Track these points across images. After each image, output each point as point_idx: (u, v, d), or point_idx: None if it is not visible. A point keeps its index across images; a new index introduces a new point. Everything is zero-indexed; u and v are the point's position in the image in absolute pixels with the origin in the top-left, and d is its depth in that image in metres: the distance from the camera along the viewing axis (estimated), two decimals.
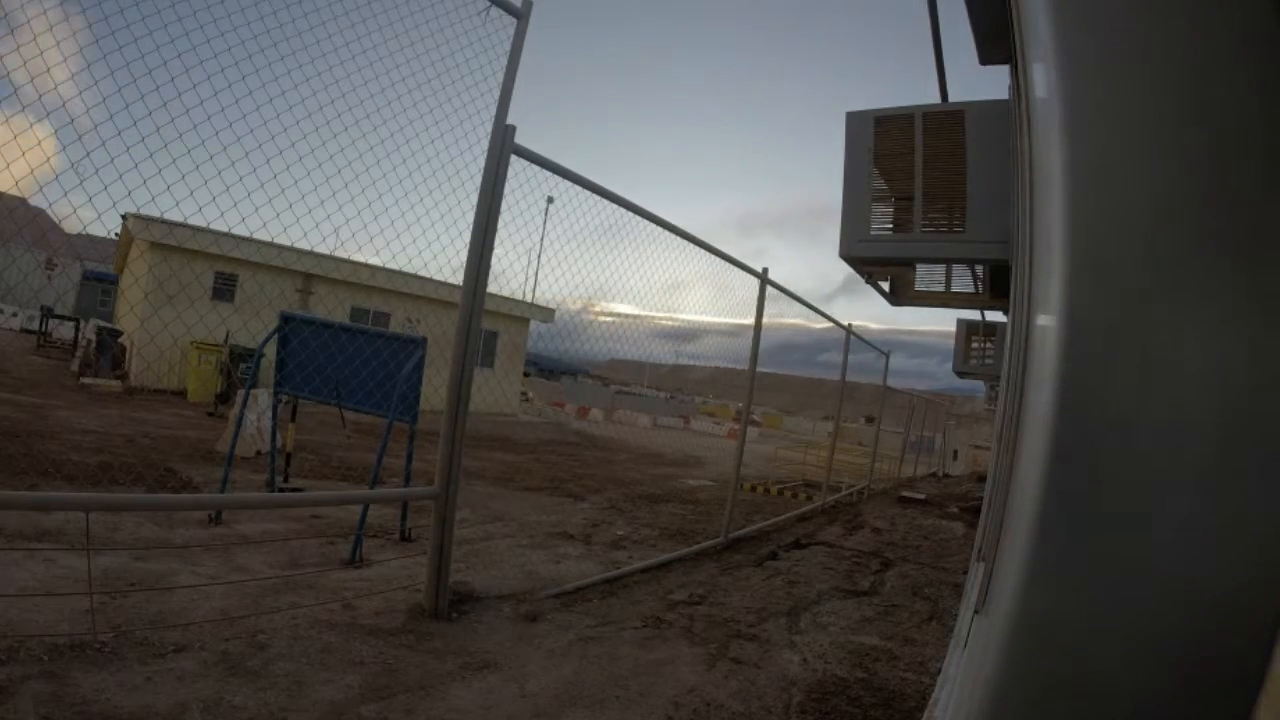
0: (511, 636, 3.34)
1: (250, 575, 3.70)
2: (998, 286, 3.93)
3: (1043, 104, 0.81)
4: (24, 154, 2.21)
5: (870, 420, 19.88)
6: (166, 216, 2.81)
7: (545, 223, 4.25)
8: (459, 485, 3.54)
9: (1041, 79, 0.82)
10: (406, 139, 3.31)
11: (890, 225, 2.95)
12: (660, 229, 4.71)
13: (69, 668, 2.41)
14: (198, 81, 2.56)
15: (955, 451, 21.18)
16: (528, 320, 20.12)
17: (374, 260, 13.03)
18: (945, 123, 2.76)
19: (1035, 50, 0.87)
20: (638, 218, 4.49)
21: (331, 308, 14.71)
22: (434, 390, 4.90)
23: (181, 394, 12.65)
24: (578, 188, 3.96)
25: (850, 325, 8.80)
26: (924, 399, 18.05)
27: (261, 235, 2.93)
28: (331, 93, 2.95)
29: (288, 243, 3.09)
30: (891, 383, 11.80)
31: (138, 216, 10.25)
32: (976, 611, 1.47)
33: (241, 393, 6.01)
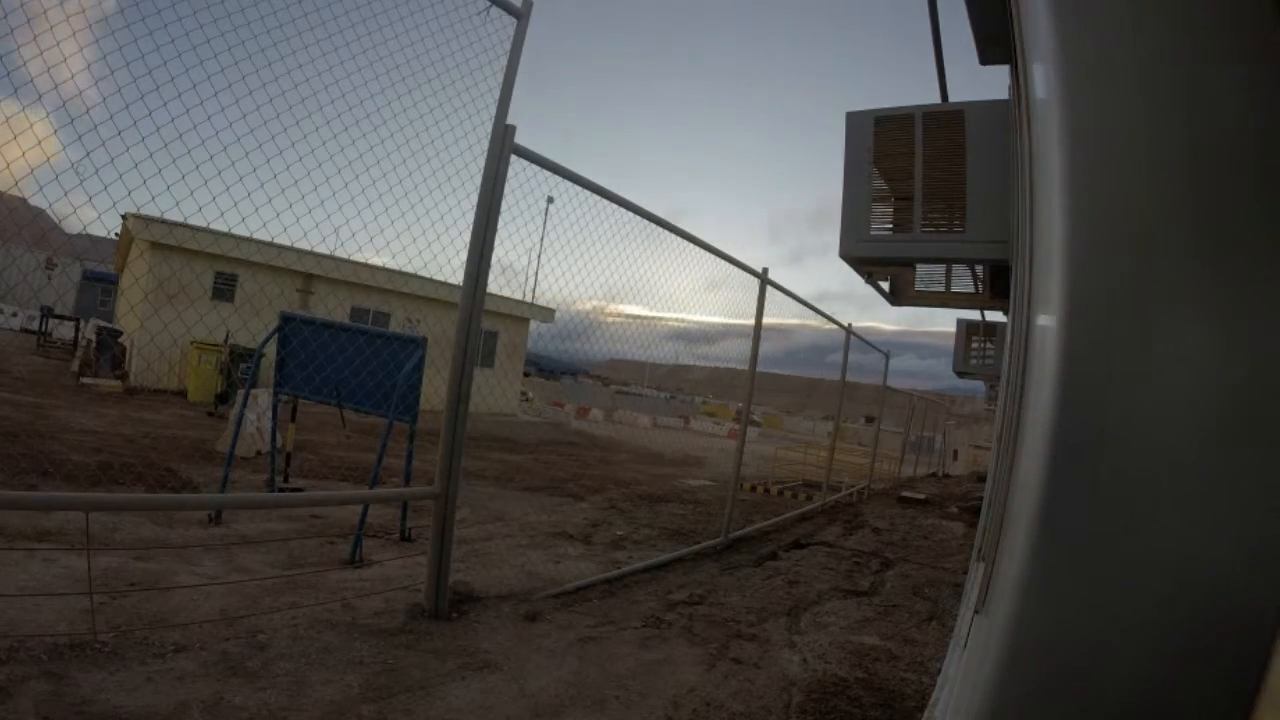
0: (511, 636, 3.34)
1: (250, 575, 3.70)
2: (998, 286, 3.92)
3: (1043, 104, 0.81)
4: (23, 154, 2.21)
5: (870, 420, 19.88)
6: (166, 216, 2.81)
7: (545, 223, 4.25)
8: (459, 485, 3.54)
9: (1041, 79, 0.82)
10: (407, 139, 3.31)
11: (890, 225, 2.95)
12: (659, 229, 4.71)
13: (69, 668, 2.41)
14: (198, 81, 2.56)
15: (955, 451, 21.19)
16: (528, 320, 20.13)
17: (374, 260, 13.05)
18: (945, 123, 2.76)
19: (1035, 50, 0.87)
20: (647, 222, 4.50)
21: (331, 308, 14.72)
22: (434, 390, 4.90)
23: (181, 394, 12.65)
24: (580, 189, 3.96)
25: (850, 325, 8.80)
26: (924, 399, 18.05)
27: (261, 235, 2.93)
28: (332, 93, 2.96)
29: (288, 243, 3.09)
30: (904, 383, 11.81)
31: (138, 216, 10.24)
32: (976, 611, 1.47)
33: (241, 393, 6.01)
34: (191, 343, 12.49)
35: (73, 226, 2.59)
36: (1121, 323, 0.71)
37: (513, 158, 3.50)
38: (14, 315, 24.66)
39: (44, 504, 3.91)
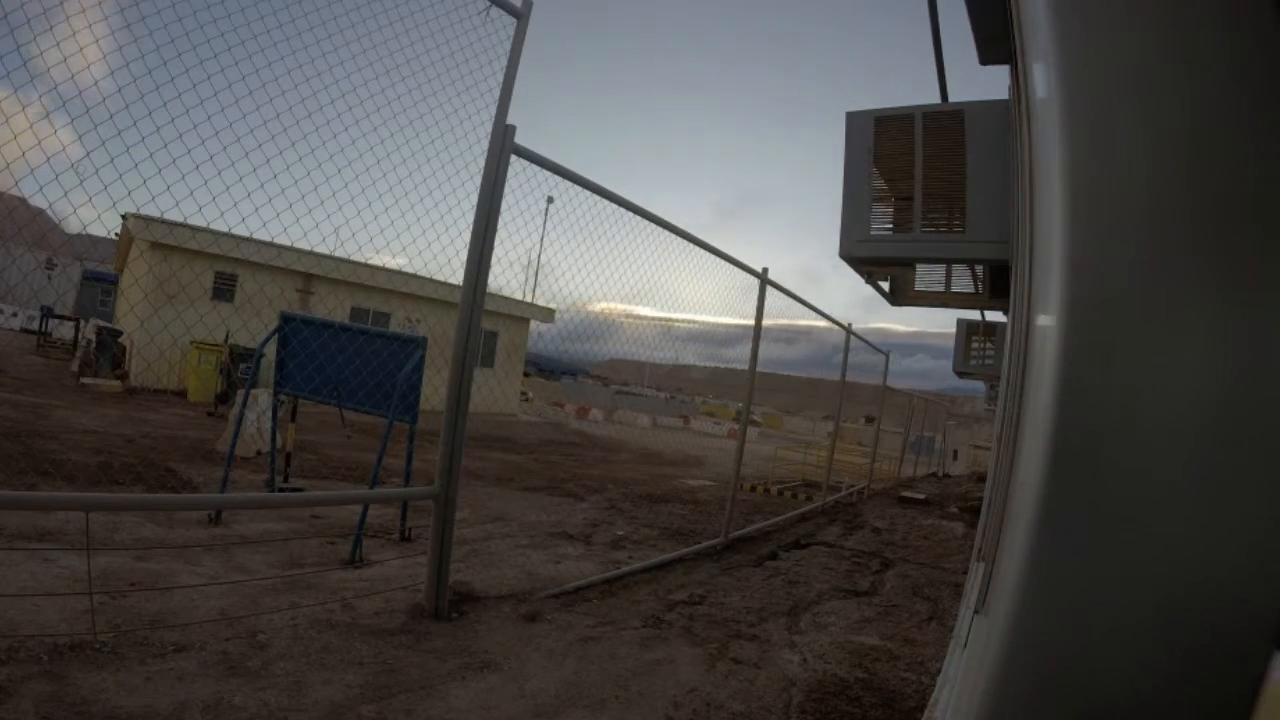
0: (511, 636, 3.34)
1: (250, 575, 3.70)
2: (998, 286, 3.92)
3: (1043, 104, 0.81)
4: (23, 154, 2.21)
5: (870, 420, 19.88)
6: (166, 216, 2.81)
7: (545, 223, 4.25)
8: (459, 485, 3.54)
9: (1041, 79, 0.82)
10: (407, 139, 3.31)
11: (890, 225, 2.95)
12: (658, 229, 4.71)
13: (69, 668, 2.41)
14: (198, 81, 2.56)
15: (955, 451, 21.19)
16: (528, 320, 20.13)
17: (375, 260, 13.06)
18: (945, 123, 2.76)
19: (1035, 50, 0.87)
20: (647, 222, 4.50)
21: (331, 308, 14.72)
22: (434, 390, 4.90)
23: (181, 394, 12.65)
24: (583, 190, 3.97)
25: (850, 325, 8.81)
26: (924, 399, 18.05)
27: (261, 235, 2.93)
28: (332, 92, 2.96)
29: (288, 243, 3.08)
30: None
31: (138, 216, 10.25)
32: (976, 611, 1.47)
33: (241, 393, 6.01)
34: (191, 343, 12.50)
35: (73, 226, 2.59)
36: (1121, 323, 0.71)
37: (513, 158, 3.50)
38: (14, 315, 24.66)
39: (44, 504, 3.91)
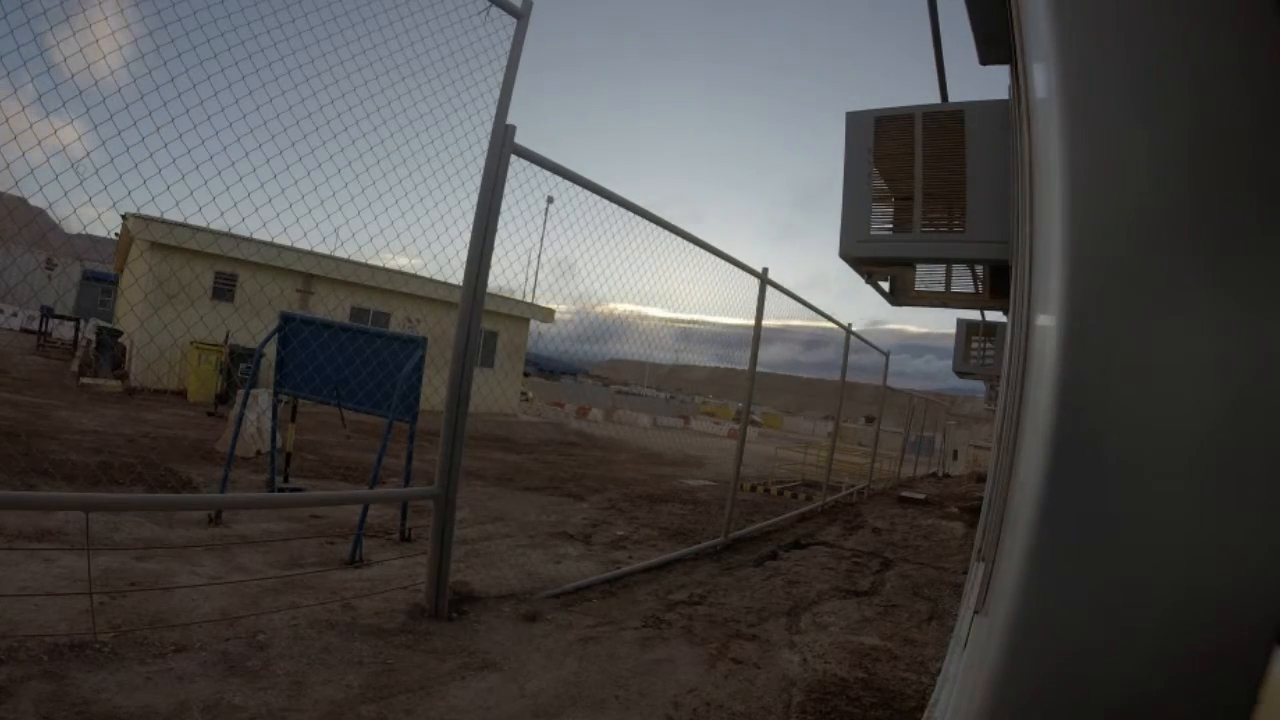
0: (511, 636, 3.34)
1: (250, 575, 3.69)
2: (998, 286, 3.92)
3: (1043, 104, 0.81)
4: (23, 154, 2.21)
5: (870, 420, 19.88)
6: (166, 216, 2.81)
7: (545, 223, 4.25)
8: (459, 485, 3.54)
9: (1041, 79, 0.82)
10: (407, 139, 3.31)
11: (890, 225, 2.95)
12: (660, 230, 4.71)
13: (69, 668, 2.40)
14: (198, 81, 2.56)
15: (955, 451, 21.19)
16: (528, 320, 20.12)
17: (374, 261, 13.05)
18: (945, 123, 2.76)
19: (1035, 50, 0.87)
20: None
21: (331, 308, 14.72)
22: (434, 390, 4.90)
23: (181, 394, 12.65)
24: (586, 192, 3.97)
25: (850, 325, 8.81)
26: (924, 399, 18.05)
27: (261, 235, 2.93)
28: (332, 92, 2.96)
29: (288, 243, 3.08)
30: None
31: (138, 216, 10.24)
32: (976, 611, 1.47)
33: (241, 393, 6.01)
34: (191, 343, 12.49)
35: (73, 226, 2.59)
36: (1121, 323, 0.71)
37: (513, 158, 3.50)
38: (14, 315, 24.65)
39: (44, 504, 3.91)
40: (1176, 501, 0.68)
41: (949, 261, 4.09)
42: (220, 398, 11.64)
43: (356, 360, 4.63)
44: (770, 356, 6.27)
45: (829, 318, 8.12)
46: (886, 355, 11.16)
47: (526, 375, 26.79)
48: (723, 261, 5.59)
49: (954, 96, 3.02)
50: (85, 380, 12.28)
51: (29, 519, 4.00)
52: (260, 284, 13.94)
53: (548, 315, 19.27)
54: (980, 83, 2.81)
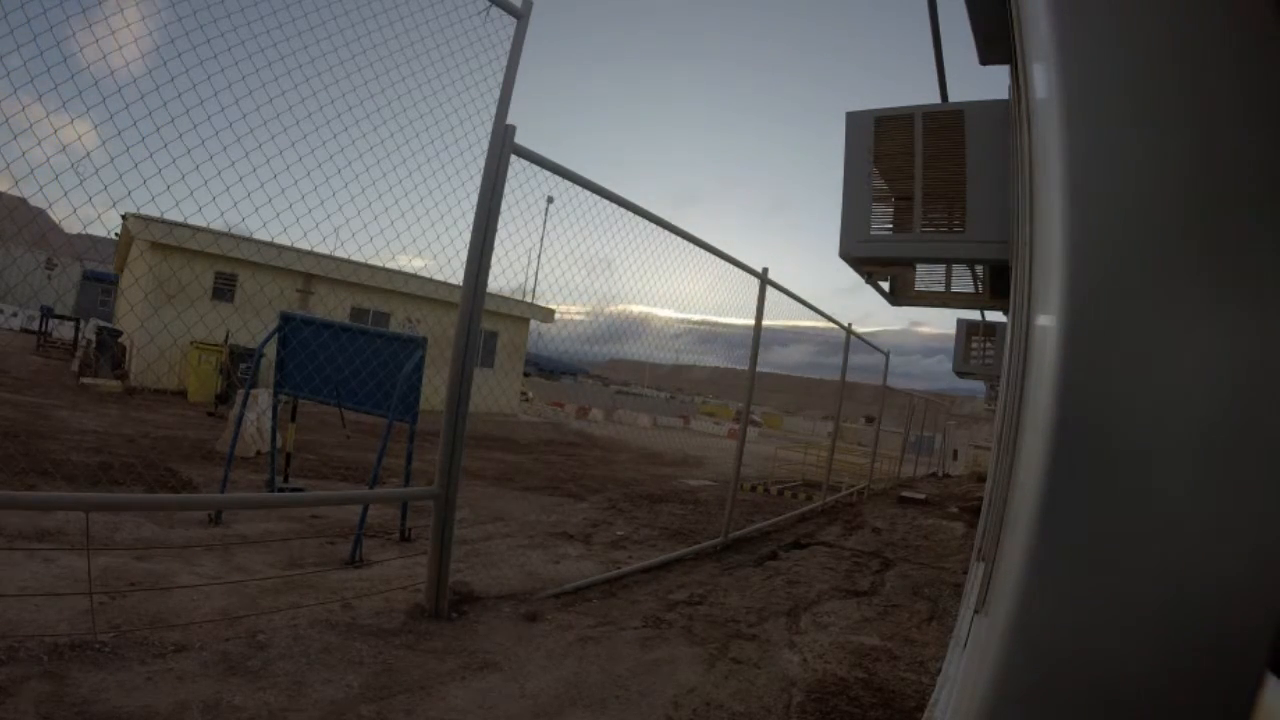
0: (511, 637, 3.34)
1: (250, 575, 3.70)
2: (998, 286, 3.93)
3: (1043, 104, 0.81)
4: (23, 154, 2.21)
5: (870, 420, 19.88)
6: (166, 216, 2.81)
7: (545, 222, 4.25)
8: (459, 485, 3.54)
9: (1041, 79, 0.82)
10: (407, 139, 3.31)
11: (890, 225, 2.95)
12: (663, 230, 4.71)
13: (69, 668, 2.41)
14: (198, 81, 2.56)
15: (955, 451, 21.20)
16: (528, 320, 20.12)
17: (374, 260, 13.05)
18: (945, 123, 2.76)
19: (1035, 50, 0.87)
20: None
21: (331, 308, 14.72)
22: (434, 390, 4.90)
23: (182, 394, 12.65)
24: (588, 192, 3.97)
25: (850, 325, 8.82)
26: (924, 399, 18.06)
27: (261, 235, 2.93)
28: (332, 92, 2.96)
29: (288, 243, 3.09)
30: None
31: (138, 216, 10.25)
32: (976, 611, 1.47)
33: (241, 393, 6.01)
34: (191, 343, 12.49)
35: (73, 226, 2.59)
36: (1121, 323, 0.71)
37: (513, 158, 3.50)
38: (14, 315, 24.66)
39: (44, 504, 3.91)
40: (1176, 501, 0.68)
41: (949, 261, 4.09)
42: (220, 398, 11.64)
43: (356, 360, 4.63)
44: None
45: (829, 318, 8.12)
46: (886, 355, 11.16)
47: (526, 375, 26.79)
48: (723, 263, 5.60)
49: (954, 96, 3.02)
50: (85, 380, 12.28)
51: (29, 519, 4.00)
52: (260, 284, 13.94)
53: (548, 315, 19.27)
54: (980, 83, 2.81)
